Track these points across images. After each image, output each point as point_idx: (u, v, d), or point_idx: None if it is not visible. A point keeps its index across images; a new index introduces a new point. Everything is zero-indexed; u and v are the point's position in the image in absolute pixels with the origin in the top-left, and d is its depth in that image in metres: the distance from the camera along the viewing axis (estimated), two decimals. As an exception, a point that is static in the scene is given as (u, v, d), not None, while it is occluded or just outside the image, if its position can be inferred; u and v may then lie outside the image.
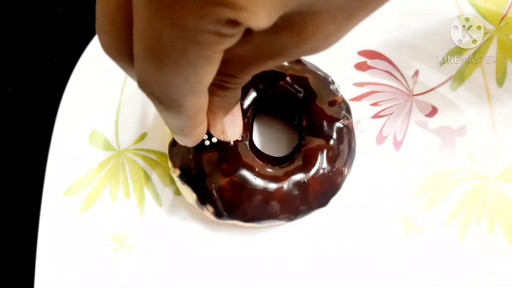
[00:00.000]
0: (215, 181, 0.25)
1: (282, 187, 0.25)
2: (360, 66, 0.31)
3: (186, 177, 0.26)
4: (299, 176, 0.25)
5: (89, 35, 0.30)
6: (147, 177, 0.29)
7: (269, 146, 0.29)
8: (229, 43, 0.12)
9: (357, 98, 0.31)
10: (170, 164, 0.27)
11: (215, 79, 0.14)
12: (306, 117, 0.27)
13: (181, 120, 0.16)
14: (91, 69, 0.29)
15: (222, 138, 0.20)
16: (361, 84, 0.31)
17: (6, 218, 0.29)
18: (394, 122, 0.31)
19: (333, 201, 0.27)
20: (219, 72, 0.14)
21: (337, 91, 0.28)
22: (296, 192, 0.25)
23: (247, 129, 0.27)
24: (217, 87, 0.16)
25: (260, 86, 0.27)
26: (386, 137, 0.30)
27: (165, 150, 0.28)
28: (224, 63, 0.13)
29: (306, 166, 0.26)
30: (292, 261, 0.28)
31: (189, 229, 0.28)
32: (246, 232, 0.28)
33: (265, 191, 0.25)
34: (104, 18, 0.14)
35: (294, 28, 0.13)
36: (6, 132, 0.31)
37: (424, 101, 0.31)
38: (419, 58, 0.31)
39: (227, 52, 0.13)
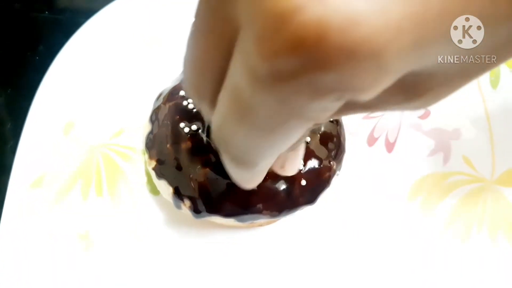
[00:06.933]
0: (193, 172, 0.23)
1: (266, 179, 0.23)
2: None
3: (162, 168, 0.24)
4: (284, 169, 0.24)
5: (69, 31, 0.30)
6: (123, 174, 0.27)
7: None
8: (330, 113, 0.11)
9: (347, 99, 0.30)
10: (146, 155, 0.25)
11: None
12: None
13: (248, 174, 0.15)
14: (70, 62, 0.28)
15: (279, 171, 0.20)
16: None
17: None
18: (386, 123, 0.29)
19: (323, 203, 0.25)
20: None
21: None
22: (282, 187, 0.23)
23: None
24: None
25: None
26: (377, 138, 0.29)
27: (143, 146, 0.27)
28: None
29: (292, 158, 0.24)
30: (275, 264, 0.25)
31: (165, 231, 0.26)
32: (227, 234, 0.26)
33: (247, 184, 0.23)
34: (200, 61, 0.12)
35: (404, 86, 0.12)
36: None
37: (416, 103, 0.30)
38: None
39: None
